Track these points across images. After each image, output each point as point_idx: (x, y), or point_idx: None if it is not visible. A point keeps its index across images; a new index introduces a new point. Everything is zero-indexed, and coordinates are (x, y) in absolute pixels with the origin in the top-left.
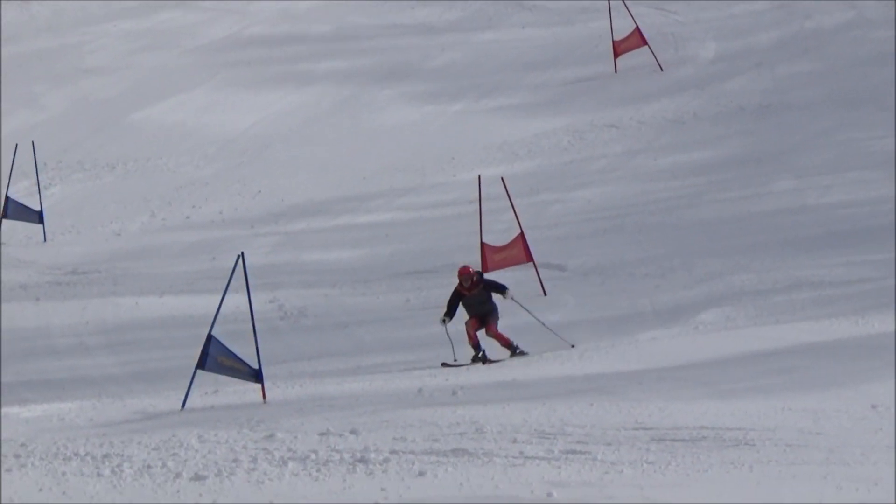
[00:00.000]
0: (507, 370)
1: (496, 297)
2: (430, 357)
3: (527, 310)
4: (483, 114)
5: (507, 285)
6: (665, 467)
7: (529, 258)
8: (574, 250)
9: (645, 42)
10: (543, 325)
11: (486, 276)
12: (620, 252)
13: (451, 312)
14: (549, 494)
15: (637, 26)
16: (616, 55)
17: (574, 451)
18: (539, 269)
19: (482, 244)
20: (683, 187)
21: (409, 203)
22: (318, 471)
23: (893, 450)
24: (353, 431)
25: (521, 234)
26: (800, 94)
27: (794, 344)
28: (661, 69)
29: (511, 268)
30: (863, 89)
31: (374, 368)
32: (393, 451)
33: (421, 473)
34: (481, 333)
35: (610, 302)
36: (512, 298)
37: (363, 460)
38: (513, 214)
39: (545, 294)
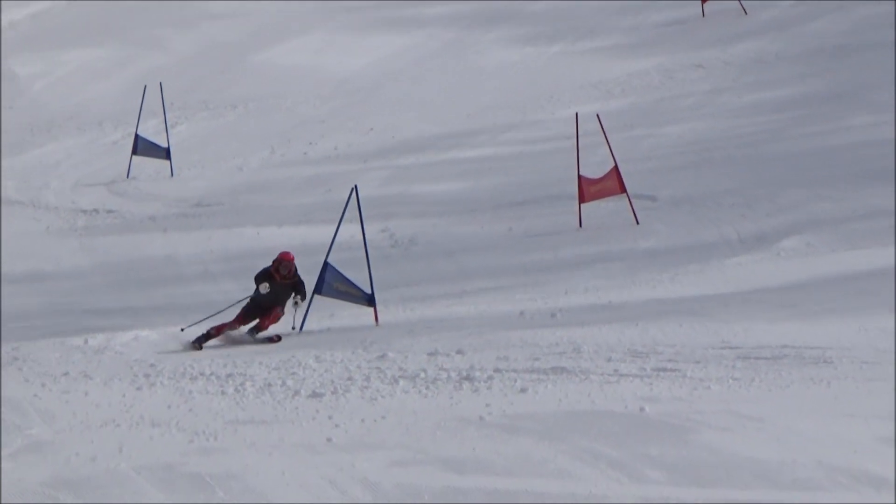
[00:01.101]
0: (603, 293)
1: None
2: (531, 283)
3: (304, 319)
4: (580, 55)
5: (305, 295)
6: (749, 383)
7: (623, 189)
8: (665, 182)
9: None
10: (294, 329)
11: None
12: (708, 183)
13: (264, 280)
14: (642, 409)
15: None
16: (704, 0)
17: (665, 369)
18: (632, 200)
19: (579, 177)
20: (767, 122)
21: (511, 138)
22: (426, 388)
23: None
24: (459, 351)
25: (616, 167)
26: (876, 35)
27: (871, 268)
28: (746, 13)
29: (606, 198)
30: None
31: (478, 293)
32: (496, 370)
33: (522, 390)
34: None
35: (698, 230)
36: (297, 305)
37: (469, 378)
38: (607, 149)
39: (637, 223)
